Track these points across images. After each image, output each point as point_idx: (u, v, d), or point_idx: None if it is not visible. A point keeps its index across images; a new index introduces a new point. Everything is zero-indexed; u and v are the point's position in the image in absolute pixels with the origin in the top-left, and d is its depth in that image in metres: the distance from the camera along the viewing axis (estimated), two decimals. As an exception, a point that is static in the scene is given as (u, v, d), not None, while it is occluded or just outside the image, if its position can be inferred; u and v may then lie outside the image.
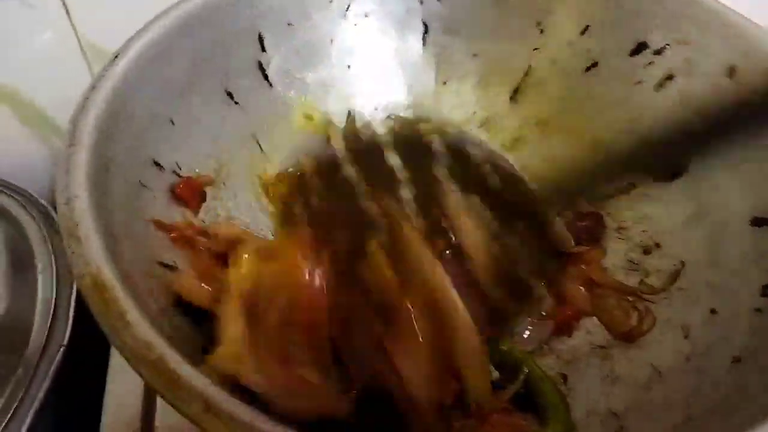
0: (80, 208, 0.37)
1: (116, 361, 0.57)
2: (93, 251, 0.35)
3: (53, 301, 0.65)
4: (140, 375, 0.31)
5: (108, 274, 0.34)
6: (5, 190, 0.73)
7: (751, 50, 0.51)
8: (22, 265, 0.67)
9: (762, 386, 0.36)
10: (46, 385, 0.59)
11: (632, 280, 0.54)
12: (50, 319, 0.64)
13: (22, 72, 0.68)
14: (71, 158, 0.39)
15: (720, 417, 0.36)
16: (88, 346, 0.61)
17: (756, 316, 0.43)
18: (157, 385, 0.30)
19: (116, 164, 0.43)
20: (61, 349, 0.62)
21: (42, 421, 0.58)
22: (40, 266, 0.68)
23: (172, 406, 0.30)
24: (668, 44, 0.57)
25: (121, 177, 0.44)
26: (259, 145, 0.60)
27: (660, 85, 0.58)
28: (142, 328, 0.32)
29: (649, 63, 0.59)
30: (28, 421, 0.57)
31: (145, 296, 0.37)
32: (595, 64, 0.62)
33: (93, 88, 0.44)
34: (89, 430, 0.56)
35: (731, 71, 0.52)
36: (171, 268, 0.45)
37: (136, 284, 0.37)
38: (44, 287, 0.66)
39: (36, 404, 0.58)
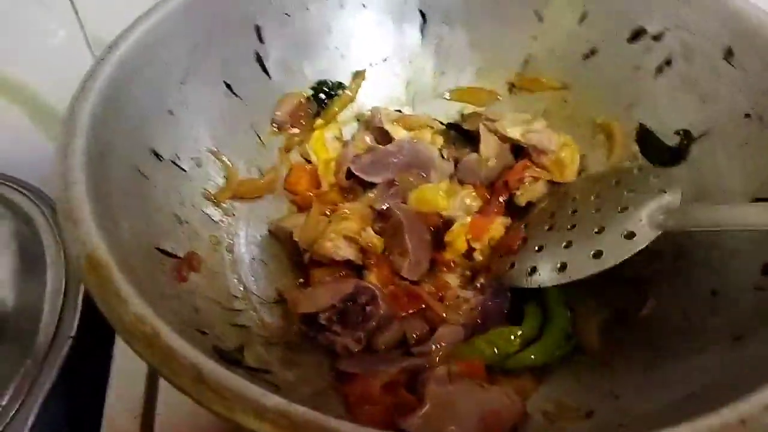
0: (77, 192, 0.37)
1: (120, 349, 0.57)
2: (89, 233, 0.35)
3: (62, 293, 0.66)
4: (135, 350, 0.31)
5: (104, 253, 0.34)
6: (16, 186, 0.74)
7: (749, 31, 0.50)
8: (32, 259, 0.68)
9: (761, 362, 0.36)
10: (54, 374, 0.60)
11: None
12: (59, 311, 0.65)
13: (33, 69, 0.69)
14: (68, 145, 0.40)
15: (720, 392, 0.36)
16: (96, 338, 0.62)
17: (757, 295, 0.42)
18: (150, 359, 0.31)
19: (114, 151, 0.44)
20: (69, 341, 0.63)
21: (50, 410, 0.59)
22: (49, 260, 0.69)
23: (166, 379, 0.30)
24: (667, 29, 0.57)
25: (119, 164, 0.44)
26: (258, 136, 0.60)
27: (659, 70, 0.58)
28: (136, 303, 0.32)
29: (648, 48, 0.58)
30: (36, 410, 0.58)
31: (143, 278, 0.38)
32: (593, 52, 0.62)
33: (91, 75, 0.44)
34: (96, 419, 0.56)
35: (728, 53, 0.52)
36: (170, 255, 0.46)
37: (134, 266, 0.38)
38: (53, 280, 0.67)
39: (44, 394, 0.59)
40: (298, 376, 0.44)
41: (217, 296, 0.47)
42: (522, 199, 0.59)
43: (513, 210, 0.60)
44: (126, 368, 0.56)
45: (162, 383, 0.53)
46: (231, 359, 0.39)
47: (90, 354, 0.62)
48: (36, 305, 0.65)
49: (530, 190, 0.59)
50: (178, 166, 0.51)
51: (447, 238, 0.56)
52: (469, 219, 0.57)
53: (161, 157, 0.50)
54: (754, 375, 0.34)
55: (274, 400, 0.29)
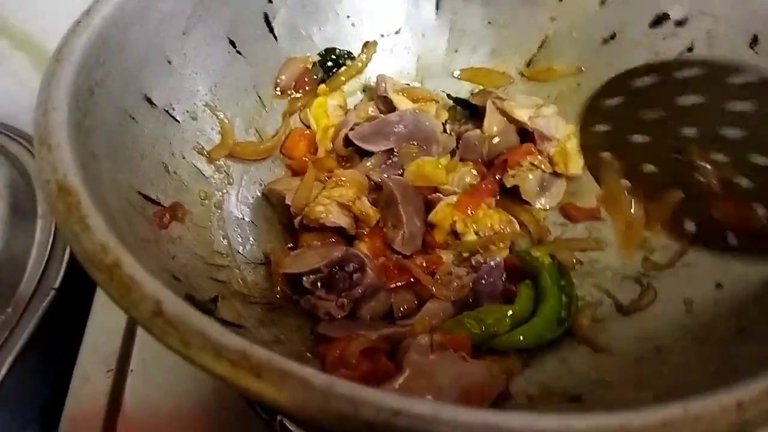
0: (56, 119, 0.36)
1: (100, 302, 0.56)
2: (62, 158, 0.33)
3: (49, 245, 0.65)
4: (96, 281, 0.30)
5: (74, 180, 0.33)
6: (13, 135, 0.73)
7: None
8: (22, 208, 0.67)
9: (760, 351, 0.34)
10: (33, 325, 0.59)
11: (636, 257, 0.51)
12: (44, 263, 0.64)
13: (37, 15, 0.68)
14: (55, 73, 0.38)
15: (717, 381, 0.33)
16: (80, 293, 0.60)
17: (764, 288, 0.40)
18: (111, 290, 0.29)
19: (103, 89, 0.42)
20: (52, 292, 0.61)
21: (26, 361, 0.58)
22: (40, 211, 0.68)
23: (125, 311, 0.28)
24: (691, 15, 0.54)
25: (108, 102, 0.42)
26: (260, 98, 0.59)
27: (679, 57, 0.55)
28: (101, 232, 0.30)
29: (670, 34, 0.56)
30: (11, 359, 0.57)
31: (116, 214, 0.36)
32: (613, 36, 0.60)
33: (88, 12, 0.43)
34: (71, 373, 0.55)
35: (754, 41, 0.49)
36: (153, 202, 0.44)
37: (108, 202, 0.36)
38: (42, 231, 0.66)
39: (21, 344, 0.58)
40: (275, 336, 0.43)
41: (199, 250, 0.45)
42: (511, 180, 0.57)
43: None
44: (104, 322, 0.54)
45: (138, 339, 0.52)
46: (203, 308, 0.37)
47: (73, 308, 0.61)
48: (22, 255, 0.64)
49: (523, 175, 0.57)
50: (171, 116, 0.50)
51: (432, 218, 0.54)
52: (455, 198, 0.55)
53: (154, 104, 0.48)
54: (752, 364, 0.32)
55: (234, 340, 0.27)
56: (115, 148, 0.42)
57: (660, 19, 0.56)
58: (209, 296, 0.40)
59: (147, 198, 0.43)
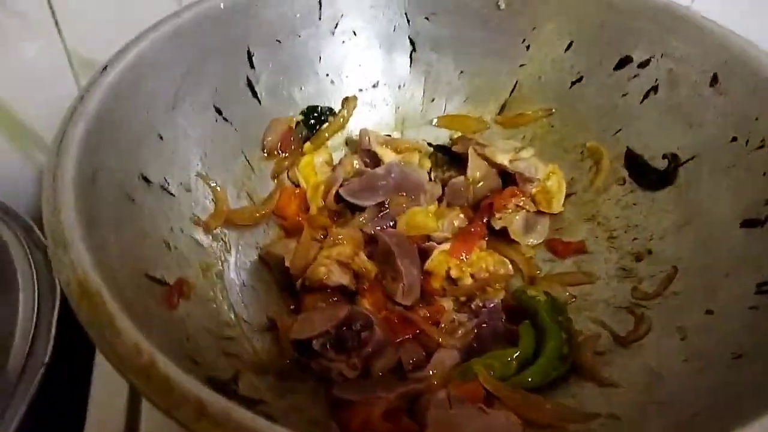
0: (67, 216, 0.36)
1: (100, 374, 0.54)
2: (80, 258, 0.34)
3: (34, 319, 0.63)
4: (130, 383, 0.30)
5: (95, 279, 0.33)
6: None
7: (733, 59, 0.52)
8: (3, 282, 0.65)
9: (764, 379, 0.36)
10: (26, 403, 0.57)
11: (626, 288, 0.54)
12: (31, 338, 0.62)
13: (10, 86, 0.67)
14: (58, 167, 0.39)
15: (725, 412, 0.36)
16: (70, 365, 0.59)
17: (752, 314, 0.43)
18: (148, 392, 0.29)
19: (104, 175, 0.43)
20: (43, 368, 0.60)
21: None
22: (21, 284, 0.66)
23: (164, 412, 0.29)
24: (652, 57, 0.58)
25: (109, 188, 0.43)
26: (248, 161, 0.59)
27: (645, 96, 0.59)
28: (131, 333, 0.31)
29: (634, 76, 0.60)
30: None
31: (135, 305, 0.36)
32: (580, 79, 0.63)
33: (81, 98, 0.43)
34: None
35: (714, 80, 0.53)
36: (160, 282, 0.44)
37: (126, 294, 0.36)
38: (25, 306, 0.64)
39: (15, 423, 0.56)
40: (294, 405, 0.43)
41: (208, 324, 0.46)
42: (499, 223, 0.59)
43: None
44: (105, 396, 0.53)
45: (144, 411, 0.51)
46: (226, 390, 0.37)
47: (65, 382, 0.59)
48: (6, 331, 0.62)
49: (510, 217, 0.60)
50: (167, 191, 0.50)
51: (428, 266, 0.55)
52: (447, 245, 0.56)
53: (150, 181, 0.48)
54: (755, 395, 0.34)
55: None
56: (120, 234, 0.42)
57: (623, 62, 0.60)
58: (228, 375, 0.40)
59: (153, 279, 0.44)
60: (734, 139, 0.51)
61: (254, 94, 0.60)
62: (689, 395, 0.40)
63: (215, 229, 0.53)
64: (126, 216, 0.44)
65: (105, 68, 0.47)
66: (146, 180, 0.48)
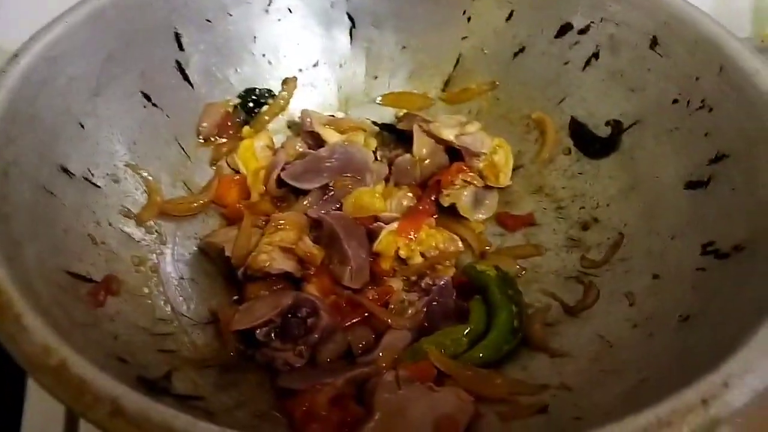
0: (-29, 213, 0.33)
1: (33, 393, 0.51)
2: (-16, 255, 0.31)
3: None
4: (42, 385, 0.28)
5: (4, 280, 0.30)
6: None
7: (672, 19, 0.51)
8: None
9: (711, 339, 0.36)
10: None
11: (574, 257, 0.53)
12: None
13: None
14: (-38, 161, 0.36)
15: (674, 374, 0.35)
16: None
17: (699, 275, 0.43)
18: (61, 393, 0.27)
19: (17, 168, 0.40)
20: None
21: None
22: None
23: (79, 414, 0.27)
24: (592, 23, 0.57)
25: (23, 183, 0.40)
26: (183, 148, 0.57)
27: (587, 63, 0.58)
28: (39, 331, 0.28)
29: (575, 43, 0.59)
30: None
31: (50, 306, 0.34)
32: (522, 49, 0.62)
33: (-10, 87, 0.40)
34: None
35: (653, 42, 0.53)
36: (84, 279, 0.41)
37: (41, 294, 0.34)
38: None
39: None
40: (236, 399, 0.41)
41: (140, 321, 0.43)
42: (447, 200, 0.58)
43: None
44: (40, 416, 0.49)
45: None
46: (157, 388, 0.35)
47: None
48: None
49: (458, 193, 0.58)
50: (92, 183, 0.47)
51: (376, 247, 0.54)
52: (395, 225, 0.55)
53: (71, 173, 0.46)
54: (706, 355, 0.34)
55: (204, 429, 0.25)
56: (36, 229, 0.39)
57: (564, 29, 0.59)
58: (161, 373, 0.38)
59: (77, 276, 0.41)
60: (675, 101, 0.51)
61: (185, 77, 0.57)
62: (639, 361, 0.40)
63: (148, 221, 0.51)
64: (44, 211, 0.41)
65: (15, 56, 0.44)
66: (67, 172, 0.45)
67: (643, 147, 0.53)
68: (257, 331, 0.45)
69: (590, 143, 0.58)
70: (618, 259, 0.51)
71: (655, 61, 0.53)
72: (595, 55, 0.58)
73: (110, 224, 0.47)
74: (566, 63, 0.60)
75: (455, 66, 0.66)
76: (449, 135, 0.59)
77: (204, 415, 0.32)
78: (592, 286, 0.50)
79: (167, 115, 0.56)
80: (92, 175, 0.47)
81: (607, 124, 0.57)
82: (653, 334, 0.42)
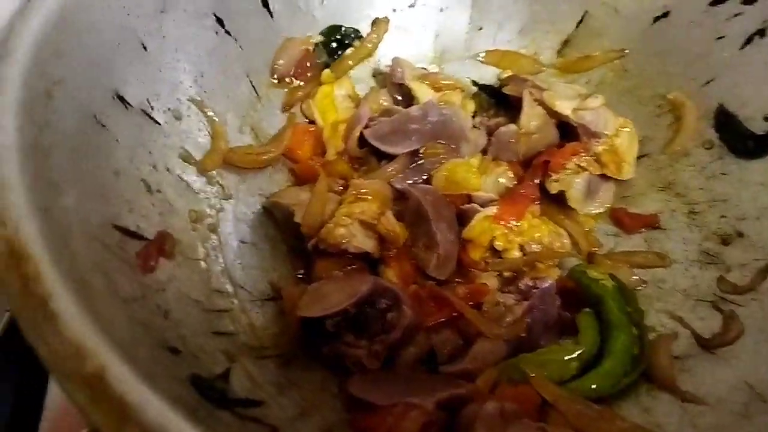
0: (3, 142, 0.26)
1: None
2: (14, 203, 0.24)
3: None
4: (70, 397, 0.20)
5: (30, 235, 0.23)
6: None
7: None
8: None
9: None
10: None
11: (709, 276, 0.44)
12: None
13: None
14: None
15: None
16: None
17: None
18: (93, 413, 0.20)
19: (64, 90, 0.32)
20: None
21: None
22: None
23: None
24: (764, -10, 0.46)
25: (70, 108, 0.32)
26: (254, 87, 0.48)
27: (748, 41, 0.47)
28: (75, 324, 0.21)
29: (737, 14, 0.48)
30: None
31: (89, 273, 0.26)
32: (666, 14, 0.52)
33: (36, -13, 0.32)
34: None
35: None
36: (134, 235, 0.34)
37: (77, 255, 0.26)
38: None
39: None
40: (299, 405, 0.34)
41: (194, 292, 0.36)
42: (555, 186, 0.49)
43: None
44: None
45: None
46: (214, 394, 0.28)
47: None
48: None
49: (568, 179, 0.49)
50: (151, 117, 0.40)
51: (467, 233, 0.45)
52: (493, 210, 0.46)
53: (128, 103, 0.38)
54: None
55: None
56: (81, 169, 0.31)
57: (724, -5, 0.48)
58: (219, 370, 0.31)
59: (125, 231, 0.33)
60: None
61: (265, 4, 0.49)
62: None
63: (211, 170, 0.43)
64: (92, 146, 0.34)
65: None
66: (123, 101, 0.37)
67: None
68: (327, 321, 0.38)
69: (740, 139, 0.48)
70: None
71: None
72: (760, 32, 0.47)
73: (168, 169, 0.40)
74: (720, 37, 0.49)
75: (578, 24, 0.55)
76: (566, 108, 0.50)
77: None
78: (735, 318, 0.40)
79: (240, 46, 0.48)
80: (151, 108, 0.40)
81: (766, 119, 0.46)
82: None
